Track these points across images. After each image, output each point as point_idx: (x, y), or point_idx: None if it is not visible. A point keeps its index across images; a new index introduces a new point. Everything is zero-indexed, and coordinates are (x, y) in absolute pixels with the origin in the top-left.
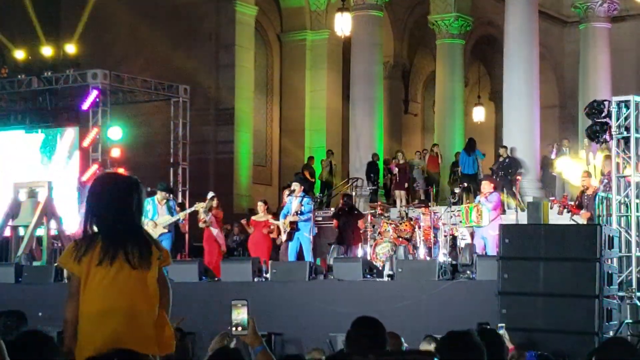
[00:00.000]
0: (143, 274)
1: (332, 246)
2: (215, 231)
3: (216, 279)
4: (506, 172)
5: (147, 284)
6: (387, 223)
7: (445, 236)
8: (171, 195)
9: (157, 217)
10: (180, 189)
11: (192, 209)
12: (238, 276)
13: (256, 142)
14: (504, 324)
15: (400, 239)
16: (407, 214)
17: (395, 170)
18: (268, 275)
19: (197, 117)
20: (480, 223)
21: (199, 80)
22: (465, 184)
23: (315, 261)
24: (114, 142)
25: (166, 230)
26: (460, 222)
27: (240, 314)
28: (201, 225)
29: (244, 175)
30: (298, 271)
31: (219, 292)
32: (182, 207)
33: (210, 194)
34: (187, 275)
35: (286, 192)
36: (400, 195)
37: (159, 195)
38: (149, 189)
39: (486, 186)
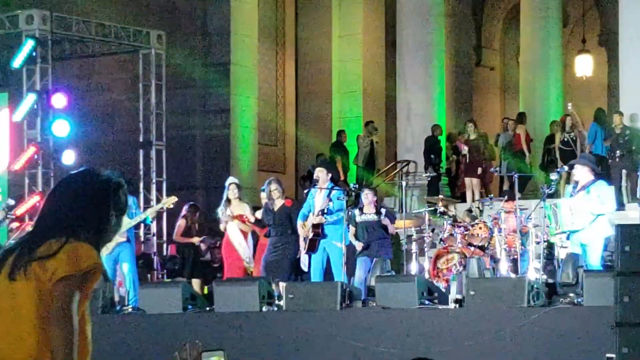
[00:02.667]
0: (26, 288)
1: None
2: (235, 238)
3: (207, 307)
4: (627, 149)
5: (23, 306)
6: (453, 225)
7: (537, 243)
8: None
9: None
10: (154, 180)
11: (160, 205)
12: (239, 303)
13: (263, 112)
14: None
15: (473, 248)
16: (482, 211)
17: (465, 149)
18: (282, 302)
19: (177, 76)
20: (574, 226)
21: (179, 24)
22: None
23: (350, 281)
24: (59, 115)
25: (123, 239)
26: (548, 227)
27: None
28: (221, 227)
29: (245, 160)
30: (325, 296)
31: (212, 327)
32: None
33: (230, 180)
34: (165, 304)
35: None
36: (472, 184)
37: None
38: None
39: (582, 173)
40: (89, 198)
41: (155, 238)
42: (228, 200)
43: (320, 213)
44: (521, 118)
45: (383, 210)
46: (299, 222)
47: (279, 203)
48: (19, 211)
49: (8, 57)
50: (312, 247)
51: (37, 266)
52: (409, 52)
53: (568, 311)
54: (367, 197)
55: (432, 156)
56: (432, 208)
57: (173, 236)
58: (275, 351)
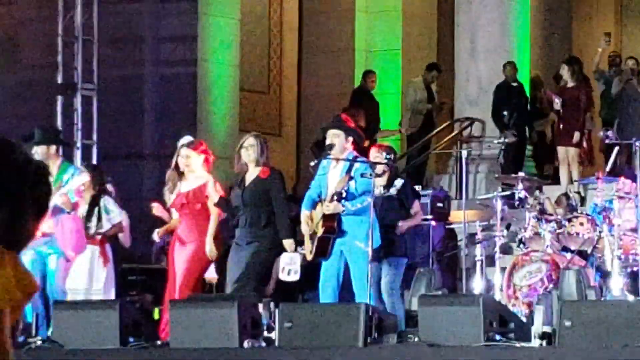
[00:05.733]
0: None
1: (418, 270)
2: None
3: (159, 342)
4: None
5: None
6: (539, 219)
7: None
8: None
9: None
10: (78, 143)
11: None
12: (207, 336)
13: (249, 41)
14: None
15: (570, 254)
16: (584, 198)
17: (559, 102)
18: (274, 335)
19: None
20: None
21: None
22: None
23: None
24: None
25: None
26: None
27: None
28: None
29: (220, 113)
30: (342, 325)
31: None
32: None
33: (184, 139)
34: (94, 335)
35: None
36: (567, 157)
37: (39, 152)
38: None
39: None
40: None
41: None
42: (177, 171)
43: (336, 198)
44: None
45: (398, 182)
46: (304, 212)
47: (252, 173)
48: None
49: None
50: (322, 250)
51: None
52: None
53: None
54: (376, 159)
55: (506, 113)
56: (508, 192)
57: None
58: None
